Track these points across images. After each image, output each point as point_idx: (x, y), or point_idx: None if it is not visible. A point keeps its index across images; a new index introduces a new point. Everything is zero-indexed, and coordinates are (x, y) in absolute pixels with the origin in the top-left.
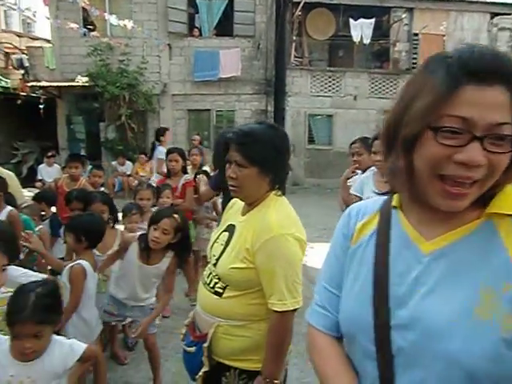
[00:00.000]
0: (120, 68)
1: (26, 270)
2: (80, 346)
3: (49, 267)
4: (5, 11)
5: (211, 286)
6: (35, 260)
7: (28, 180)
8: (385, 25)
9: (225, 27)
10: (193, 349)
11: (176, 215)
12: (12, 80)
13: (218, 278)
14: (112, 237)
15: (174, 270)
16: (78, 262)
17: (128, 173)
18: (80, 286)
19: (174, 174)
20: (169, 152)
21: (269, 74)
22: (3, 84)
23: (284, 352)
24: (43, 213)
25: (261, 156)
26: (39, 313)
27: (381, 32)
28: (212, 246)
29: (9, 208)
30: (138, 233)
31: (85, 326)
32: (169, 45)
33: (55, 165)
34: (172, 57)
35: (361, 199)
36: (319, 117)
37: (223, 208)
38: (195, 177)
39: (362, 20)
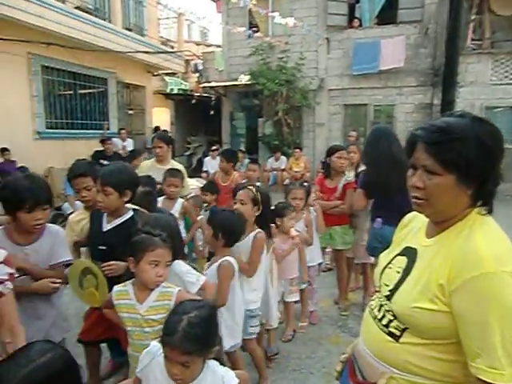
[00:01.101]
0: (279, 65)
1: (189, 268)
2: (233, 379)
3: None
4: (188, 25)
5: (383, 323)
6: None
7: (196, 171)
8: None
9: (387, 15)
10: None
11: (250, 187)
12: (190, 83)
13: (394, 316)
14: None
15: (258, 246)
16: (225, 258)
17: (282, 167)
18: (227, 283)
19: (336, 173)
20: (335, 149)
21: (437, 62)
22: (183, 87)
23: None
24: (205, 204)
25: (461, 160)
26: (188, 343)
27: None
28: (383, 271)
29: (181, 200)
30: (294, 233)
31: (235, 324)
32: (327, 39)
33: (218, 157)
34: (330, 51)
35: None
36: (501, 109)
37: None
38: (356, 177)
39: None
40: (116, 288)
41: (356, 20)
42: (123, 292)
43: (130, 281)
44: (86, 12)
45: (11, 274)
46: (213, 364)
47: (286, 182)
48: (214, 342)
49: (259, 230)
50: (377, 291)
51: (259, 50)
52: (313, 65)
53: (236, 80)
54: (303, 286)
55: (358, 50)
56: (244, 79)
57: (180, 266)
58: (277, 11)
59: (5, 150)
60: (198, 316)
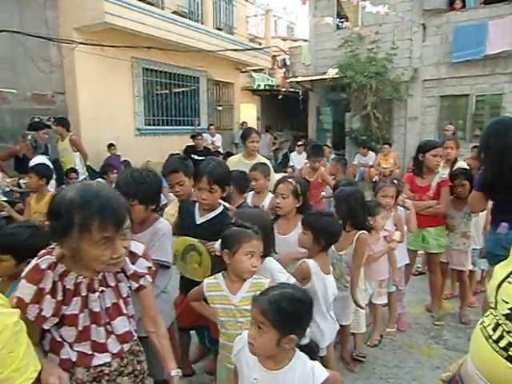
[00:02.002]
0: (368, 57)
1: (281, 267)
2: (322, 372)
3: None
4: (275, 21)
5: (501, 345)
6: None
7: (282, 166)
8: None
9: None
10: None
11: (290, 179)
12: (276, 78)
13: None
14: None
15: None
16: (304, 260)
17: (370, 163)
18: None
19: (429, 171)
20: (430, 146)
21: None
22: (270, 82)
23: None
24: None
25: None
26: (269, 307)
27: None
28: (499, 285)
29: (270, 195)
30: (384, 234)
31: (320, 333)
32: (423, 25)
33: (304, 153)
34: (425, 38)
35: None
36: None
37: None
38: (451, 175)
39: None
40: (207, 281)
41: (458, 1)
42: (214, 284)
43: (220, 273)
44: (182, 16)
45: (149, 268)
46: (303, 355)
47: (375, 178)
48: (293, 324)
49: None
50: (491, 308)
51: (348, 41)
52: (406, 54)
53: (323, 74)
54: (392, 289)
55: (459, 35)
56: (331, 73)
57: (272, 263)
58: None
59: (111, 145)
60: (292, 294)
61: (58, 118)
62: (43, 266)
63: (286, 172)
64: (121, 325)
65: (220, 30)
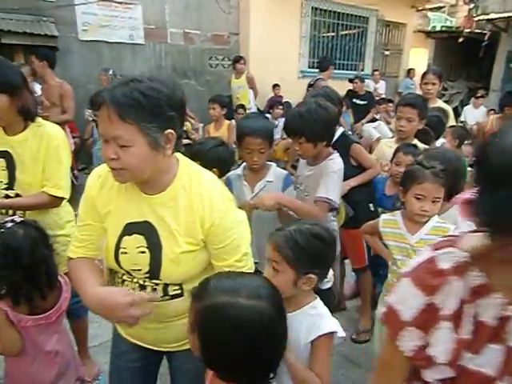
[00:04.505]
0: None
1: None
2: (326, 326)
3: None
4: None
5: None
6: None
7: None
8: None
9: None
10: None
11: None
12: (457, 18)
13: None
14: None
15: None
16: None
17: None
18: None
19: None
20: None
21: None
22: (448, 23)
23: None
24: None
25: None
26: (286, 242)
27: None
28: None
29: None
30: None
31: None
32: None
33: (482, 107)
34: None
35: None
36: None
37: None
38: None
39: None
40: (384, 216)
41: None
42: (392, 221)
43: (399, 211)
44: None
45: None
46: (320, 303)
47: None
48: (311, 263)
49: None
50: None
51: None
52: None
53: None
54: None
55: None
56: None
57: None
58: None
59: (276, 85)
60: (309, 229)
61: (237, 56)
62: (444, 266)
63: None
64: None
65: None
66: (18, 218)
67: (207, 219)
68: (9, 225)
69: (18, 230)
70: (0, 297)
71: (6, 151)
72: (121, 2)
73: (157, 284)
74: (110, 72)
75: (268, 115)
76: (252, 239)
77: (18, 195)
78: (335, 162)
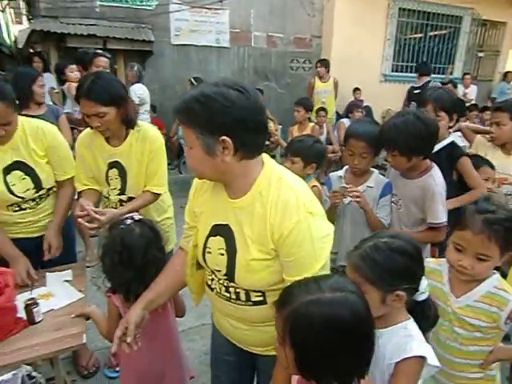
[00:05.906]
0: None
1: None
2: (412, 349)
3: None
4: None
5: None
6: None
7: None
8: None
9: None
10: None
11: None
12: None
13: None
14: None
15: None
16: None
17: None
18: None
19: None
20: None
21: None
22: None
23: None
24: None
25: None
26: (362, 262)
27: None
28: None
29: None
30: None
31: None
32: None
33: None
34: None
35: None
36: None
37: None
38: None
39: None
40: (428, 264)
41: None
42: (436, 272)
43: (444, 259)
44: None
45: None
46: (414, 325)
47: None
48: (393, 279)
49: None
50: None
51: None
52: None
53: None
54: None
55: None
56: None
57: None
58: None
59: (357, 89)
60: (386, 243)
61: (320, 60)
62: None
63: None
64: None
65: None
66: (136, 216)
67: (276, 229)
68: (128, 222)
69: (136, 228)
70: (113, 292)
71: (117, 161)
72: (210, 8)
73: (237, 288)
74: (135, 68)
75: (347, 119)
76: (348, 243)
77: (130, 198)
78: (435, 179)
